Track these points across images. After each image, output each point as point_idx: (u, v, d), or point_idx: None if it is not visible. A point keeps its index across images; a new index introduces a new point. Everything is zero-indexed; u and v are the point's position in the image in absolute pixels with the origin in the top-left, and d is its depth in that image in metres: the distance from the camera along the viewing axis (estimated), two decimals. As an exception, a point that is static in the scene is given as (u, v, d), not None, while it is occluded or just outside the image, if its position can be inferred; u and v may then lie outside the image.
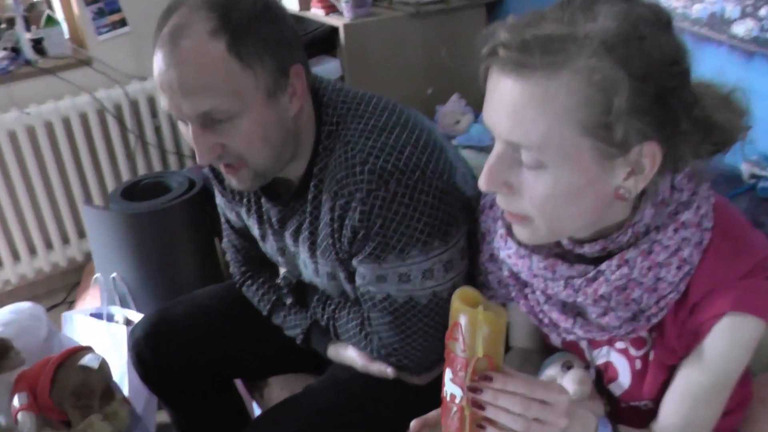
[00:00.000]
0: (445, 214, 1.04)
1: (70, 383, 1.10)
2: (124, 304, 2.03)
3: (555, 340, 0.99)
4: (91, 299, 2.23)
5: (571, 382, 0.92)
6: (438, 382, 0.86)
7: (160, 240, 2.01)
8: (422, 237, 1.03)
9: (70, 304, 2.45)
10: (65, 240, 2.54)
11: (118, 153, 2.52)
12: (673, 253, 0.82)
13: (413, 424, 0.86)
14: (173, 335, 1.35)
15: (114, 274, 2.03)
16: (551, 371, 0.96)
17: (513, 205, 0.80)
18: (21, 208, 2.41)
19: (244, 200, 1.24)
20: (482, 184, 0.79)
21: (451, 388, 0.77)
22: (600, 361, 0.94)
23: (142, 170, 2.57)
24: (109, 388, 1.17)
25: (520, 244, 0.90)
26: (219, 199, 1.32)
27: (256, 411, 1.67)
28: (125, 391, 1.72)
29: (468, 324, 0.74)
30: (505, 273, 0.96)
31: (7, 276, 2.45)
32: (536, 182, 0.76)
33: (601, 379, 0.95)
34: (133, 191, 2.10)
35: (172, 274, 2.04)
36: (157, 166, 2.62)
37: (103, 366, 1.13)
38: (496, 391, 0.75)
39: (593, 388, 0.94)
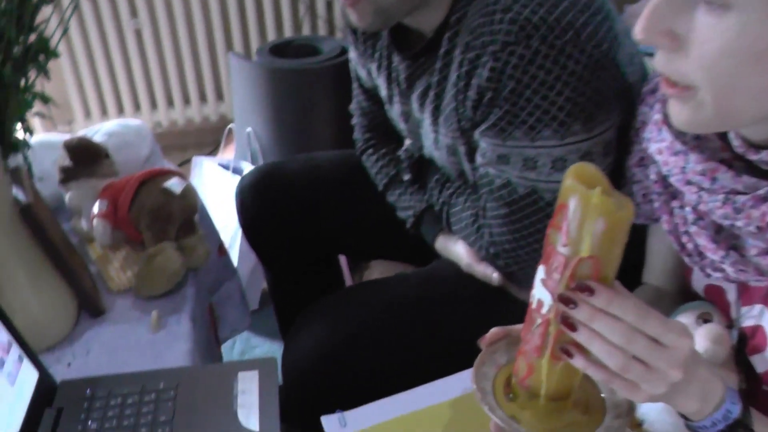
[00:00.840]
0: (594, 92, 0.85)
1: (149, 203, 1.03)
2: (254, 161, 1.99)
3: (697, 282, 0.77)
4: (229, 154, 2.23)
5: (704, 337, 0.71)
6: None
7: (302, 101, 1.91)
8: (560, 115, 0.85)
9: (213, 158, 2.48)
10: (219, 96, 2.55)
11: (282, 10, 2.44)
12: None
13: (493, 330, 0.70)
14: (282, 188, 1.26)
15: (249, 129, 1.98)
16: (683, 320, 0.75)
17: (674, 66, 0.59)
18: (181, 58, 2.42)
19: (376, 55, 1.09)
20: (639, 31, 0.57)
21: (539, 292, 0.58)
22: (748, 323, 0.71)
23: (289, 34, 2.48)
24: (192, 222, 1.09)
25: (677, 136, 0.68)
26: (352, 54, 1.19)
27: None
28: (235, 254, 1.70)
29: (577, 209, 0.53)
30: (652, 177, 0.75)
31: (159, 118, 2.50)
32: (712, 30, 0.55)
33: (744, 345, 0.72)
34: (284, 50, 2.01)
35: (307, 138, 1.96)
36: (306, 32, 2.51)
37: (187, 194, 1.05)
38: (595, 309, 0.55)
39: (731, 354, 0.72)
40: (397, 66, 1.06)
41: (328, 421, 0.82)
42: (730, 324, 0.74)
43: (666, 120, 0.69)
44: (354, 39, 1.14)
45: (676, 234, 0.73)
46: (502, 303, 1.02)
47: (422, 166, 1.14)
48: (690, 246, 0.71)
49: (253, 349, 1.75)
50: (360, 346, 1.00)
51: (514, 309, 0.78)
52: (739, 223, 0.63)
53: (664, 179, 0.73)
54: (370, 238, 1.30)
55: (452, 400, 0.85)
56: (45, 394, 0.86)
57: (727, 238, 0.68)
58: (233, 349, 1.74)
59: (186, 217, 1.08)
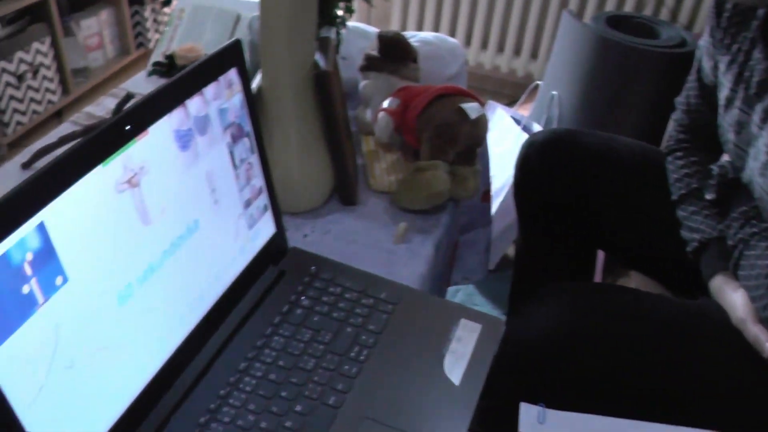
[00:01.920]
0: None
1: (440, 117, 0.97)
2: (548, 124, 1.88)
3: None
4: (524, 111, 2.15)
5: None
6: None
7: (622, 79, 1.77)
8: None
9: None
10: (533, 54, 2.45)
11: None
12: None
13: None
14: (570, 157, 1.15)
15: (555, 93, 1.87)
16: None
17: None
18: (511, 4, 2.37)
19: (734, 47, 0.93)
20: None
21: None
22: None
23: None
24: (473, 152, 1.02)
25: None
26: (703, 41, 1.03)
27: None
28: (495, 206, 1.62)
29: None
30: None
31: (468, 56, 2.47)
32: None
33: None
34: (619, 23, 1.86)
35: (612, 118, 1.81)
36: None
37: (479, 123, 0.97)
38: None
39: None
40: (754, 65, 0.89)
41: (526, 410, 0.76)
42: None
43: None
44: (715, 22, 0.98)
45: None
46: (758, 375, 0.84)
47: (731, 191, 0.96)
48: None
49: (473, 306, 1.67)
50: (593, 347, 0.89)
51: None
52: None
53: None
54: (642, 246, 1.15)
55: None
56: (274, 253, 0.86)
57: None
58: (454, 297, 1.69)
59: (470, 144, 1.00)
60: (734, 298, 0.91)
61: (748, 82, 0.90)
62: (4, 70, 2.09)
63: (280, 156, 0.93)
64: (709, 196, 0.99)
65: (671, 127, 1.15)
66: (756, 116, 0.89)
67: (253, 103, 0.77)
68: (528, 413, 0.76)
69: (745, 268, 0.89)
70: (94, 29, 2.45)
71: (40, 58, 2.20)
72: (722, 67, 0.97)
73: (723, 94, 0.97)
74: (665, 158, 1.11)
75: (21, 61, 2.13)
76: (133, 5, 2.57)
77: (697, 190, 1.03)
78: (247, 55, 0.89)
